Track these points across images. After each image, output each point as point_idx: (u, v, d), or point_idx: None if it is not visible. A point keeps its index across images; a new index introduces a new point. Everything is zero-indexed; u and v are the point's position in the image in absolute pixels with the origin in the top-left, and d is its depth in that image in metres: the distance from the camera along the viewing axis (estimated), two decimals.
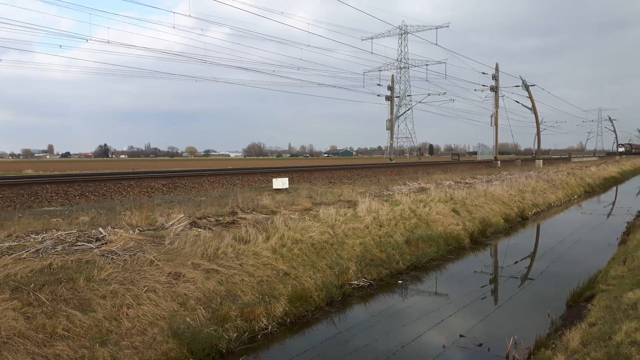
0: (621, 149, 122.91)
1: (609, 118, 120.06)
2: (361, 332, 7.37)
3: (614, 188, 36.78)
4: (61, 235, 7.98)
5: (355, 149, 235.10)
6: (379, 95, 51.84)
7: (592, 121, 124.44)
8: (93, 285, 6.20)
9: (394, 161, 50.88)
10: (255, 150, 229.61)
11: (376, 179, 25.18)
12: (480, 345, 6.67)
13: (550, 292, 9.25)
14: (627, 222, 16.99)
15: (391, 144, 55.29)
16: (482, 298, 9.19)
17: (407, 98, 65.54)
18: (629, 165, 60.09)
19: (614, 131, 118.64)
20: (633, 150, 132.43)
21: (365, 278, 9.59)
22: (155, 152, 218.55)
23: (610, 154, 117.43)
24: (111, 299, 6.11)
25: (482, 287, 9.96)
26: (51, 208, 13.27)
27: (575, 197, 27.71)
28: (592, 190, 32.05)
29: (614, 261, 9.65)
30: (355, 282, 9.32)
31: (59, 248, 7.31)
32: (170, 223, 9.47)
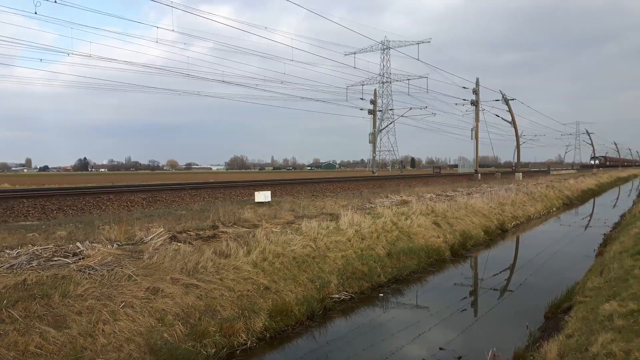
0: (594, 162, 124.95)
1: (587, 131, 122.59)
2: (342, 346, 7.34)
3: (592, 200, 37.42)
4: (37, 250, 7.82)
5: (338, 161, 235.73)
6: (361, 109, 52.21)
7: (571, 134, 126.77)
8: (68, 301, 6.08)
9: (376, 174, 51.10)
10: (237, 164, 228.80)
11: (359, 192, 25.25)
12: (460, 358, 6.69)
13: (529, 304, 9.33)
14: (604, 234, 17.28)
15: (374, 157, 55.58)
16: (462, 310, 9.23)
17: (390, 112, 66.07)
18: (606, 178, 61.27)
19: (592, 144, 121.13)
20: (607, 163, 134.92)
21: (346, 291, 9.57)
22: (136, 166, 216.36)
23: (585, 167, 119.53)
24: (87, 315, 5.99)
25: (463, 299, 10.01)
26: (27, 223, 13.02)
27: (554, 209, 28.12)
28: (571, 203, 32.57)
29: (591, 273, 9.78)
30: (337, 296, 9.29)
31: (35, 263, 7.16)
32: (150, 237, 9.36)
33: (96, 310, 6.10)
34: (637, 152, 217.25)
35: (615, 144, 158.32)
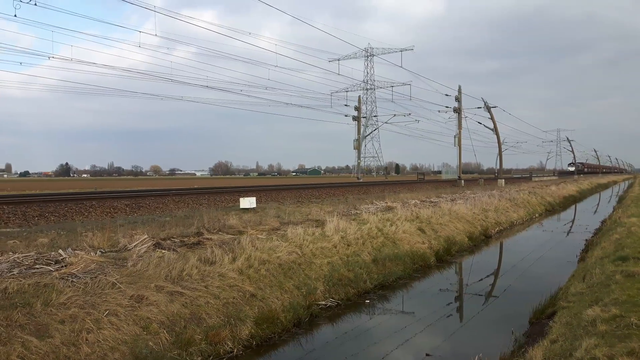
0: (571, 168, 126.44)
1: (567, 139, 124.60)
2: (328, 353, 7.32)
3: (573, 206, 37.98)
4: (18, 258, 7.68)
5: (323, 167, 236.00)
6: (346, 116, 52.51)
7: (552, 141, 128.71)
8: (51, 310, 5.98)
9: (361, 180, 51.28)
10: (222, 169, 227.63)
11: (344, 198, 25.30)
12: None
13: (513, 309, 9.42)
14: (586, 240, 17.52)
15: (359, 163, 55.83)
16: (448, 316, 9.28)
17: (374, 118, 66.53)
18: (587, 184, 62.26)
19: (572, 151, 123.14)
20: (585, 170, 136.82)
21: (332, 298, 9.56)
22: (119, 171, 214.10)
23: (562, 173, 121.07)
24: (70, 323, 5.89)
25: (448, 304, 10.06)
26: (8, 229, 12.78)
27: (537, 215, 28.47)
28: (553, 209, 33.01)
29: (574, 278, 9.91)
30: (323, 303, 9.27)
31: (16, 271, 7.02)
32: (134, 244, 9.25)
33: (79, 319, 6.00)
34: (617, 159, 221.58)
35: (595, 151, 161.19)
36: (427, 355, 7.08)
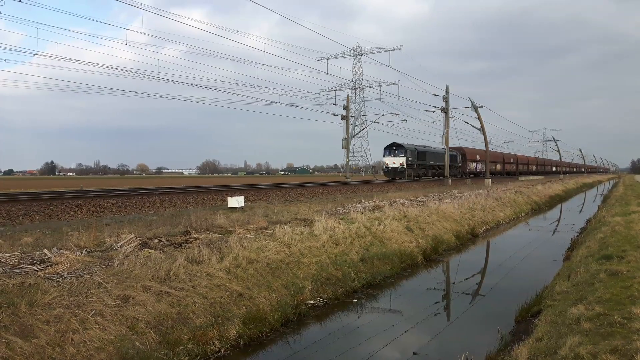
0: (555, 168, 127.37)
1: (553, 138, 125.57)
2: (316, 352, 7.33)
3: (559, 205, 38.39)
4: (2, 258, 7.58)
5: (312, 166, 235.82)
6: (334, 115, 52.39)
7: (538, 141, 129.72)
8: (36, 310, 5.91)
9: (350, 179, 51.32)
10: (210, 168, 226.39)
11: (332, 197, 25.32)
12: None
13: (500, 308, 9.50)
14: (571, 239, 17.74)
15: (347, 163, 55.80)
16: (435, 314, 9.33)
17: (362, 118, 66.51)
18: (572, 184, 62.98)
19: (558, 150, 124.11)
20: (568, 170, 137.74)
21: (321, 297, 9.56)
22: (105, 170, 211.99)
23: (546, 172, 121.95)
24: (55, 324, 5.83)
25: (435, 303, 10.12)
26: None
27: (523, 214, 28.74)
28: (539, 208, 33.34)
29: (559, 277, 10.03)
30: (311, 302, 9.28)
31: None
32: (120, 244, 9.18)
33: (65, 319, 5.94)
34: (602, 158, 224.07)
35: (581, 151, 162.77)
36: (414, 354, 7.12)
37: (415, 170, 54.17)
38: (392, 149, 53.48)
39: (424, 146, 58.09)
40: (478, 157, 69.22)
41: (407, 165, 52.19)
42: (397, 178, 50.95)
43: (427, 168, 57.00)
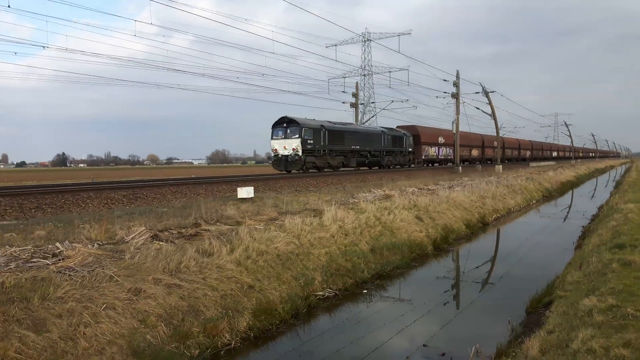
0: (554, 153, 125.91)
1: (565, 123, 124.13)
2: (325, 343, 7.35)
3: (571, 192, 38.05)
4: (15, 252, 7.66)
5: None
6: (344, 102, 52.17)
7: (549, 126, 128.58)
8: (48, 304, 5.97)
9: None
10: (219, 158, 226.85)
11: (342, 187, 25.27)
12: (443, 354, 6.73)
13: (510, 297, 9.46)
14: (583, 227, 17.58)
15: None
16: (445, 304, 9.31)
17: (372, 105, 66.11)
18: (584, 169, 62.34)
19: (570, 136, 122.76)
20: (581, 154, 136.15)
21: (330, 288, 9.58)
22: (116, 161, 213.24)
23: (556, 158, 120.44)
24: (67, 317, 5.89)
25: (445, 292, 10.10)
26: (4, 222, 12.74)
27: (534, 201, 28.52)
28: (550, 195, 33.05)
29: (571, 266, 9.94)
30: (321, 293, 9.30)
31: (12, 265, 7.01)
32: (131, 236, 9.24)
33: (77, 313, 6.00)
34: (614, 143, 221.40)
35: (593, 135, 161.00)
36: (424, 345, 7.12)
37: (323, 158, 35.60)
38: (283, 126, 34.01)
39: (344, 123, 40.50)
40: (441, 140, 55.35)
41: (303, 151, 33.02)
42: (292, 171, 33.25)
43: (346, 155, 38.33)
